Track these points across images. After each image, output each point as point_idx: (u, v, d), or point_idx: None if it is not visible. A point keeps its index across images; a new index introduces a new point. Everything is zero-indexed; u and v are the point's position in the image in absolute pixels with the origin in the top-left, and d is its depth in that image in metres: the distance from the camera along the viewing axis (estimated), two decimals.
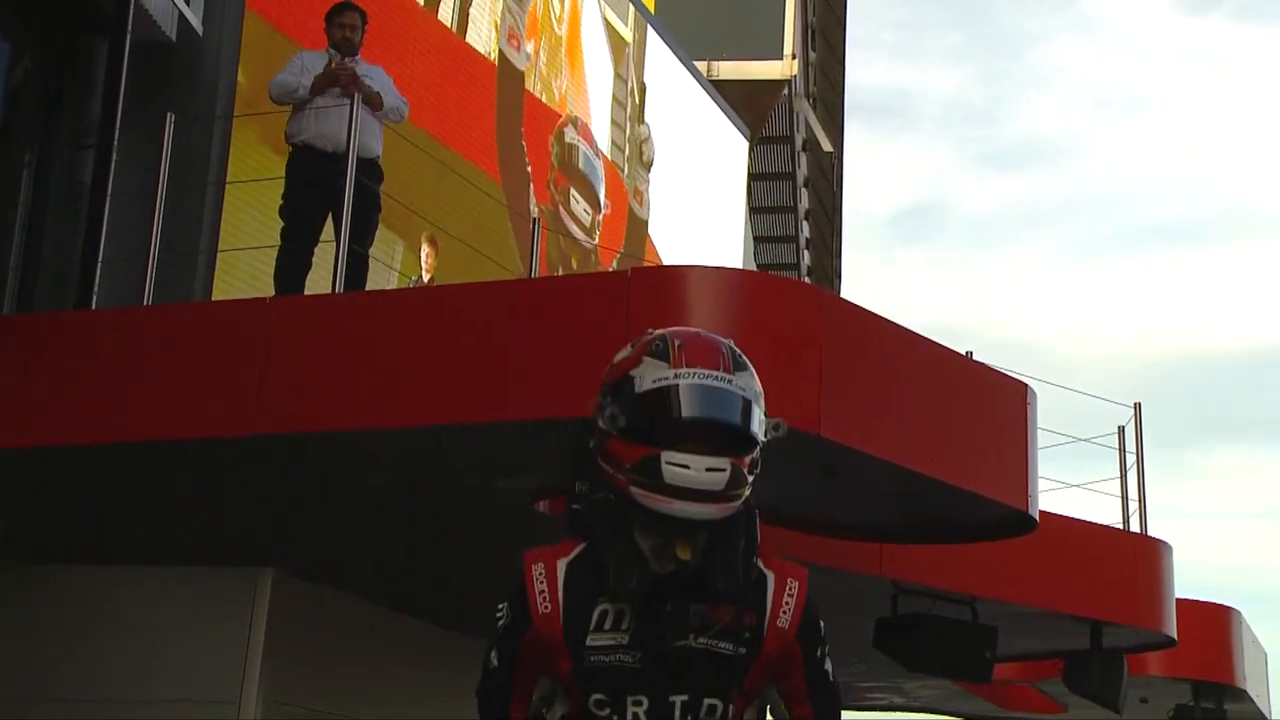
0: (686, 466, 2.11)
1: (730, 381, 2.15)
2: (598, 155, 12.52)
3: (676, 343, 2.17)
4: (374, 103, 7.01)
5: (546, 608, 2.19)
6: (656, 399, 2.13)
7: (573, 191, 12.05)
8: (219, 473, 5.93)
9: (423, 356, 5.21)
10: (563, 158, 12.00)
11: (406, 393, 5.19)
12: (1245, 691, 10.65)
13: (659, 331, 2.23)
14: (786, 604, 2.22)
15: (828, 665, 2.28)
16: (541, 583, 2.21)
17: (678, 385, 2.12)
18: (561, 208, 11.85)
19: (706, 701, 2.14)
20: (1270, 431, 50.55)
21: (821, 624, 2.29)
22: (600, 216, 12.41)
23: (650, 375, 2.15)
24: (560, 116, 12.09)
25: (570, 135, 12.17)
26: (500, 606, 2.27)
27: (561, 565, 2.21)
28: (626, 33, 13.24)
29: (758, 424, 2.17)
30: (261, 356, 5.44)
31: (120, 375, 5.67)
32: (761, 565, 2.25)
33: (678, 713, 2.16)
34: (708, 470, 2.11)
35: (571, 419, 5.16)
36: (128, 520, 6.76)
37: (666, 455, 2.11)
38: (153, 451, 5.62)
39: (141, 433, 5.53)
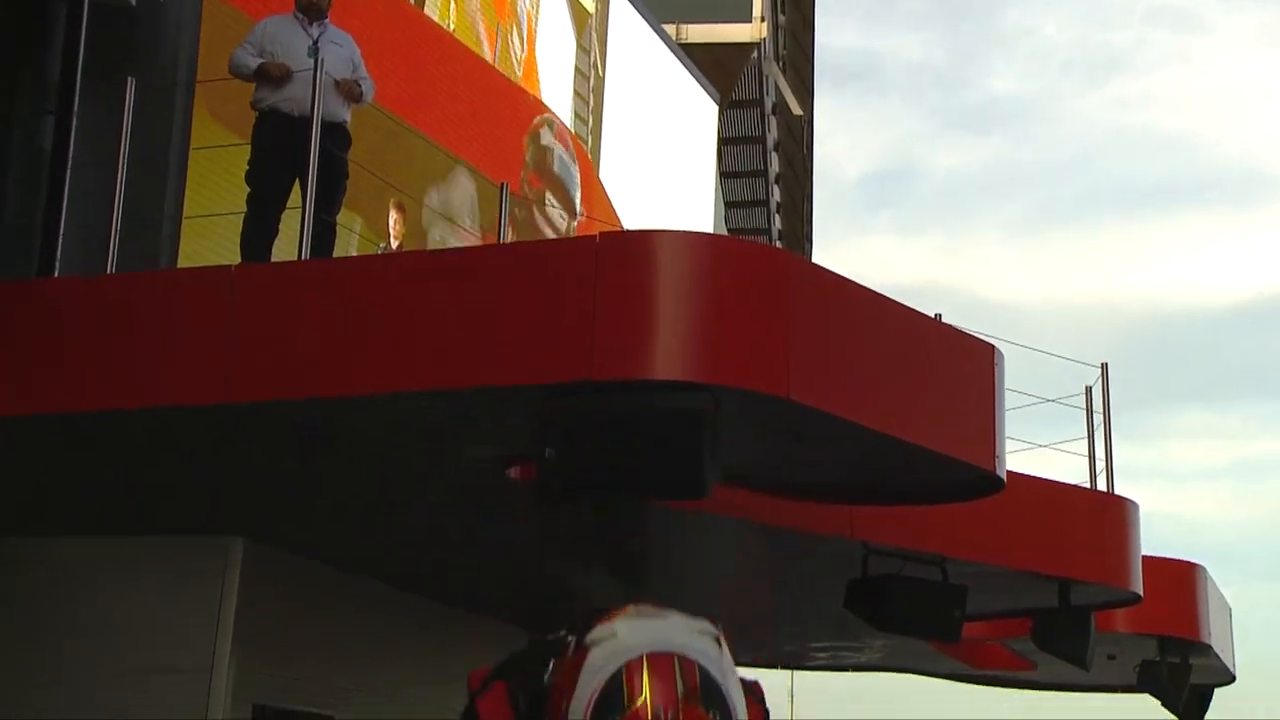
0: None
1: None
2: (574, 160, 12.21)
3: None
4: (352, 95, 6.96)
5: None
6: None
7: (548, 195, 11.78)
8: (186, 441, 5.90)
9: (389, 324, 5.18)
10: (538, 159, 11.70)
11: (373, 360, 5.16)
12: (1210, 647, 10.76)
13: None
14: None
15: None
16: None
17: None
18: (536, 210, 11.60)
19: None
20: (1234, 391, 51.06)
21: None
22: (576, 223, 12.07)
23: None
24: (532, 112, 11.73)
25: (546, 138, 11.83)
26: None
27: None
28: (589, 3, 13.11)
29: None
30: (227, 324, 5.40)
31: (85, 344, 5.62)
32: None
33: None
34: None
35: (539, 385, 5.14)
36: (95, 490, 6.72)
37: None
38: (118, 421, 5.58)
39: (106, 402, 5.49)
